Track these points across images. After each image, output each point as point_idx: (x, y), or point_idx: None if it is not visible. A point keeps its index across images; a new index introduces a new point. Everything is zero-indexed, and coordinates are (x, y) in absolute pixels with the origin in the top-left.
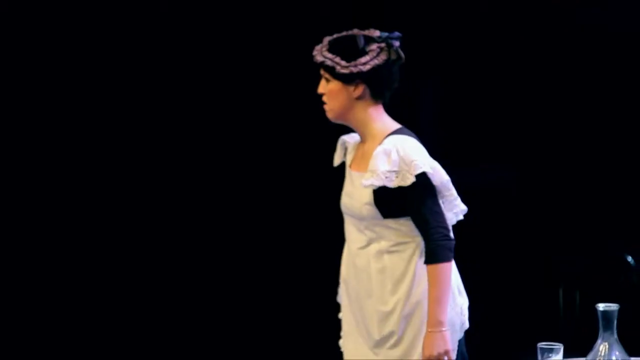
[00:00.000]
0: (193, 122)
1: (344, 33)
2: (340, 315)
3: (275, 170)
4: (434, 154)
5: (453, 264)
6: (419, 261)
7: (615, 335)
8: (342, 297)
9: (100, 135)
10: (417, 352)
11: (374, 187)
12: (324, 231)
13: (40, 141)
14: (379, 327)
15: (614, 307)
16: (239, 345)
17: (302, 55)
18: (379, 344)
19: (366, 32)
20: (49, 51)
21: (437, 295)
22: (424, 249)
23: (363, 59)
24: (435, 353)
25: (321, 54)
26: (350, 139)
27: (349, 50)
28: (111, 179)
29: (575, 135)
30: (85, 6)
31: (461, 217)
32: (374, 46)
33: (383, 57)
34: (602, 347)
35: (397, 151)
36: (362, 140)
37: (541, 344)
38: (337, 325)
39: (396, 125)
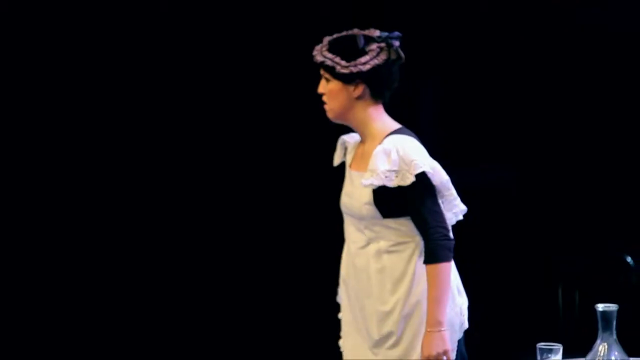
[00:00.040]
0: (193, 122)
1: (344, 33)
2: (340, 315)
3: (275, 170)
4: (434, 154)
5: (452, 264)
6: (418, 261)
7: (615, 336)
8: (342, 297)
9: (100, 135)
10: (416, 352)
11: (374, 187)
12: (324, 231)
13: (40, 141)
14: (378, 327)
15: (613, 307)
16: (239, 345)
17: (302, 55)
18: (378, 343)
19: (366, 32)
20: (49, 51)
21: (436, 295)
22: (423, 249)
23: (363, 59)
24: (434, 353)
25: (321, 53)
26: (350, 139)
27: (349, 50)
28: (111, 179)
29: (575, 135)
30: (85, 6)
31: (461, 218)
32: (373, 46)
33: (383, 56)
34: (601, 347)
35: (397, 151)
36: (362, 140)
37: (540, 345)
38: (336, 325)
39: (396, 125)
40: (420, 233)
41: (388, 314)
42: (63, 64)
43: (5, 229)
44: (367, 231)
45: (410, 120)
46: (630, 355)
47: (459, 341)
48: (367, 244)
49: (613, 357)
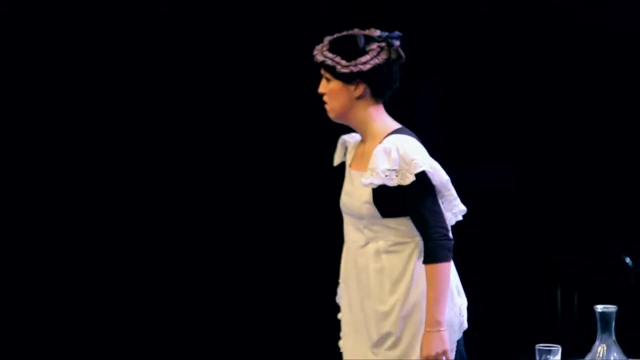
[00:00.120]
0: (193, 122)
1: (345, 33)
2: (340, 315)
3: (275, 170)
4: (434, 154)
5: (452, 264)
6: (417, 261)
7: (614, 337)
8: (342, 297)
9: (100, 135)
10: (416, 353)
11: (374, 186)
12: (324, 231)
13: (40, 141)
14: (377, 327)
15: (612, 308)
16: (239, 345)
17: (303, 55)
18: (378, 344)
19: (366, 32)
20: (49, 51)
21: (435, 295)
22: (422, 250)
23: (363, 59)
24: (433, 353)
25: (322, 53)
26: (350, 139)
27: (350, 49)
28: (111, 178)
29: (575, 135)
30: (85, 6)
31: (460, 218)
32: (374, 45)
33: (383, 56)
34: (600, 348)
35: (397, 150)
36: (363, 140)
37: (539, 346)
38: (336, 325)
39: (396, 125)
40: (419, 233)
41: (387, 314)
42: (63, 64)
43: (5, 229)
44: (367, 231)
45: (410, 120)
46: (629, 356)
47: (458, 341)
48: (367, 243)
49: (612, 358)
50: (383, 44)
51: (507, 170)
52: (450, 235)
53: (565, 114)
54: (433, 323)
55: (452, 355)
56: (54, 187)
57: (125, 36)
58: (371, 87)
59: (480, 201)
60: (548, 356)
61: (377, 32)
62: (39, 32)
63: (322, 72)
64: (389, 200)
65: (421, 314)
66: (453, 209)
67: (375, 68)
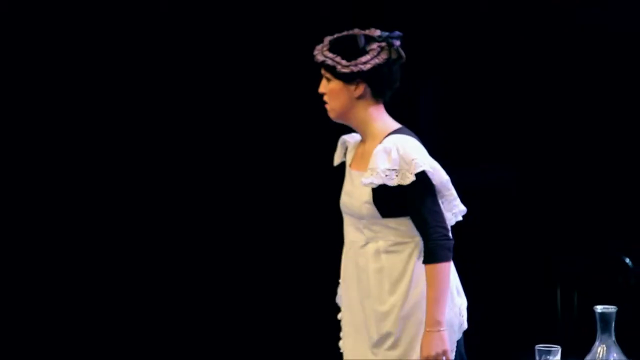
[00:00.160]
0: (193, 122)
1: (345, 33)
2: (340, 315)
3: (276, 170)
4: (434, 154)
5: (452, 264)
6: (417, 262)
7: (613, 337)
8: (343, 297)
9: (100, 135)
10: (416, 353)
11: (374, 186)
12: (324, 231)
13: (40, 141)
14: (377, 327)
15: (612, 309)
16: (239, 345)
17: (303, 55)
18: (378, 344)
19: (367, 32)
20: (49, 51)
21: (435, 295)
22: (422, 250)
23: (364, 58)
24: (433, 353)
25: (322, 53)
26: (350, 139)
27: (350, 49)
28: (111, 179)
29: (575, 135)
30: (85, 6)
31: (460, 218)
32: (374, 45)
33: (384, 56)
34: (600, 349)
35: (397, 150)
36: (363, 140)
37: (539, 346)
38: (336, 326)
39: (396, 125)
40: (419, 233)
41: (386, 314)
42: (63, 64)
43: (5, 229)
44: (367, 231)
45: (410, 120)
46: (629, 357)
47: (458, 342)
48: (366, 243)
49: (612, 359)
50: (383, 44)
51: (507, 170)
52: (450, 235)
53: (565, 114)
54: (433, 323)
55: (452, 355)
56: (54, 187)
57: (126, 36)
58: (371, 87)
59: (480, 201)
60: (548, 356)
61: (377, 32)
62: (39, 32)
63: (323, 72)
64: (389, 200)
65: (421, 314)
66: (453, 209)
67: (376, 68)
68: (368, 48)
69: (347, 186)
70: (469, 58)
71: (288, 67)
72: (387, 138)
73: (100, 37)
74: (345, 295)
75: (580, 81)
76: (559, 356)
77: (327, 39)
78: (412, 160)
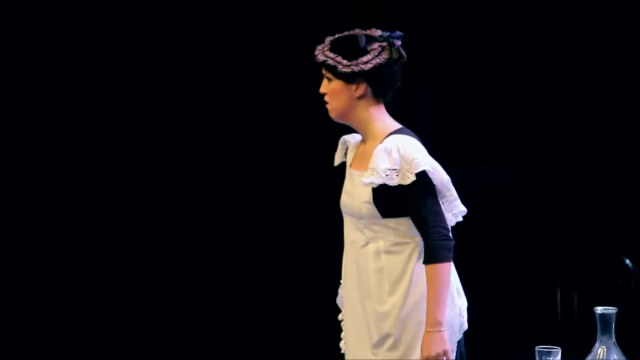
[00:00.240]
0: (194, 122)
1: (346, 33)
2: (341, 316)
3: (276, 170)
4: (434, 154)
5: (452, 264)
6: (417, 262)
7: (614, 339)
8: (344, 297)
9: (100, 135)
10: (416, 353)
11: (374, 185)
12: (324, 231)
13: (40, 141)
14: (377, 327)
15: (612, 310)
16: (240, 345)
17: (303, 55)
18: (378, 344)
19: (368, 32)
20: (49, 51)
21: (435, 295)
22: (422, 250)
23: (365, 58)
24: (433, 353)
25: (323, 53)
26: (351, 139)
27: (351, 49)
28: (111, 179)
29: (575, 135)
30: (85, 6)
31: (460, 219)
32: (375, 45)
33: (385, 56)
34: (600, 350)
35: (398, 149)
36: (363, 140)
37: (539, 347)
38: (337, 326)
39: (397, 125)
40: (420, 233)
41: (386, 314)
42: (63, 64)
43: (5, 229)
44: (367, 231)
45: (411, 120)
46: (629, 358)
47: (458, 342)
48: (367, 243)
49: None
50: (384, 44)
51: (507, 170)
52: (451, 235)
53: (565, 114)
54: (433, 323)
55: (452, 355)
56: (54, 187)
57: (126, 36)
58: (372, 86)
59: (480, 201)
60: (548, 358)
61: (378, 32)
62: (39, 32)
63: (324, 72)
64: (389, 200)
65: (421, 315)
66: (453, 210)
67: (377, 68)
68: (369, 48)
69: (347, 186)
70: (469, 58)
71: (288, 67)
72: (388, 138)
73: (101, 37)
74: (346, 295)
75: (580, 81)
76: (559, 357)
77: (328, 39)
78: (413, 160)
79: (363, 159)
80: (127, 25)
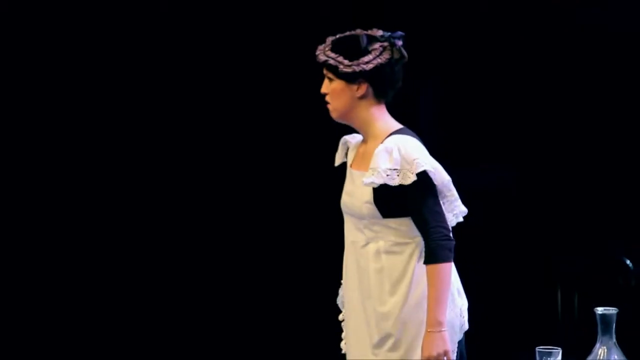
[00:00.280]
0: (194, 122)
1: (347, 33)
2: (341, 316)
3: (277, 170)
4: (434, 154)
5: (453, 264)
6: (418, 262)
7: (614, 339)
8: (345, 297)
9: (100, 135)
10: (417, 354)
11: (375, 185)
12: (325, 231)
13: (40, 141)
14: (377, 327)
15: (612, 310)
16: (240, 346)
17: (303, 56)
18: (379, 345)
19: (369, 32)
20: (49, 51)
21: (436, 295)
22: (423, 251)
23: (366, 58)
24: (434, 353)
25: (324, 53)
26: (352, 139)
27: (352, 49)
28: (111, 179)
29: (575, 135)
30: (85, 6)
31: (461, 219)
32: (376, 45)
33: (386, 56)
34: (600, 350)
35: (399, 149)
36: (364, 140)
37: (540, 348)
38: (338, 327)
39: (398, 126)
40: (420, 233)
41: (386, 315)
42: (63, 64)
43: (5, 229)
44: (367, 231)
45: (411, 120)
46: (630, 358)
47: (459, 342)
48: (367, 243)
49: None
50: (386, 44)
51: (507, 170)
52: (452, 235)
53: (565, 114)
54: (434, 323)
55: (453, 355)
56: (54, 187)
57: (126, 36)
58: (374, 86)
59: (480, 201)
60: (548, 358)
61: (379, 32)
62: (39, 32)
63: (325, 72)
64: (390, 200)
65: (422, 315)
66: (454, 210)
67: (378, 68)
68: (370, 48)
69: (348, 186)
70: (469, 58)
71: (289, 67)
72: (389, 138)
73: (101, 37)
74: (347, 295)
75: (580, 81)
76: (559, 358)
77: (330, 39)
78: (414, 160)
79: (364, 159)
80: (127, 25)
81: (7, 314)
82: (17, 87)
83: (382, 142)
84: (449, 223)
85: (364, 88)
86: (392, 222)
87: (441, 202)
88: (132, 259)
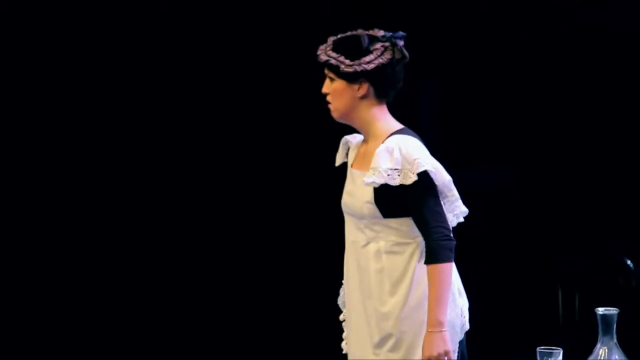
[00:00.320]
0: (195, 123)
1: (349, 33)
2: (342, 316)
3: (277, 170)
4: (434, 154)
5: (453, 264)
6: (418, 263)
7: (615, 339)
8: (346, 297)
9: (100, 135)
10: (418, 354)
11: (376, 185)
12: (325, 231)
13: (40, 141)
14: (378, 327)
15: (613, 311)
16: (241, 346)
17: (303, 56)
18: (379, 345)
19: (370, 32)
20: (49, 51)
21: (437, 295)
22: (424, 251)
23: (367, 58)
24: (435, 353)
25: (325, 53)
26: (352, 139)
27: (353, 49)
28: (111, 179)
29: (575, 135)
30: (85, 6)
31: (461, 219)
32: (378, 45)
33: (387, 56)
34: (601, 351)
35: (400, 149)
36: (365, 140)
37: (540, 348)
38: (339, 327)
39: (399, 125)
40: (421, 233)
41: (386, 315)
42: (63, 64)
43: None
44: (368, 231)
45: (411, 120)
46: (630, 359)
47: (460, 342)
48: (367, 243)
49: None
50: (387, 44)
51: (507, 170)
52: (452, 235)
53: (565, 114)
54: (435, 323)
55: (454, 355)
56: (54, 187)
57: (126, 36)
58: (375, 86)
59: (481, 201)
60: (549, 358)
61: (381, 32)
62: (39, 32)
63: (326, 71)
64: (391, 200)
65: (422, 315)
66: (455, 210)
67: (379, 68)
68: (372, 48)
69: (348, 186)
70: (469, 58)
71: (289, 67)
72: (390, 138)
73: (101, 37)
74: (348, 295)
75: (580, 81)
76: (560, 358)
77: (331, 39)
78: (415, 160)
79: (364, 159)
80: (127, 25)
81: (7, 314)
82: (17, 87)
83: (383, 142)
84: (449, 223)
85: (365, 88)
86: (393, 222)
87: (442, 202)
88: (132, 259)
